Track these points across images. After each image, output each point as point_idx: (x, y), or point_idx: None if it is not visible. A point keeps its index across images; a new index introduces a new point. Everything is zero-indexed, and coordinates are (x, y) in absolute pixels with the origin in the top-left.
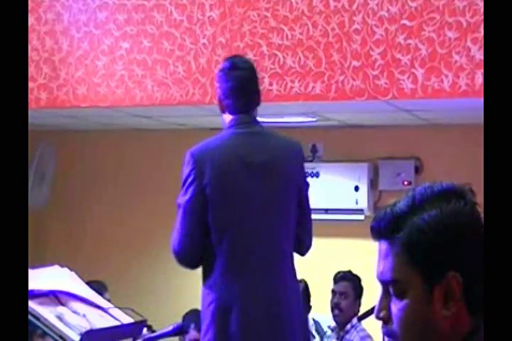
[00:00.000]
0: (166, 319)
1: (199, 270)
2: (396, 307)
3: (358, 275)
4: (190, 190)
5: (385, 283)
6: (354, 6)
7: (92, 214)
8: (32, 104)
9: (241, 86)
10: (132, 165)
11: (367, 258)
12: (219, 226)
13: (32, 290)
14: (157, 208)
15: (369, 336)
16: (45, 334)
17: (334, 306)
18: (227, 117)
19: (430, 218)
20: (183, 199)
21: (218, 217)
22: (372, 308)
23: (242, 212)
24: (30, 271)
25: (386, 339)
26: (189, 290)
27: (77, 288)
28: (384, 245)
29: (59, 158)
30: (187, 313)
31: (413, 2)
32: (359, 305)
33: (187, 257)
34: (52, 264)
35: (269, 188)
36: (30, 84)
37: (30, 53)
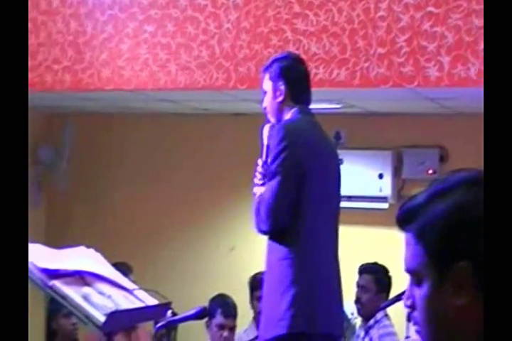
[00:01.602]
0: (190, 302)
1: (225, 255)
2: (416, 295)
3: (384, 265)
4: (288, 159)
5: (407, 272)
6: None
7: (115, 195)
8: (56, 86)
9: (307, 79)
10: (154, 148)
11: (391, 247)
12: (307, 198)
13: (58, 270)
14: (179, 190)
15: (391, 333)
16: (70, 314)
17: (356, 299)
18: (290, 105)
19: (444, 208)
20: (280, 166)
21: (310, 188)
22: (395, 298)
23: (320, 195)
24: (56, 251)
25: (415, 327)
26: (215, 274)
27: (103, 269)
28: (406, 235)
29: (82, 140)
30: (214, 298)
31: None
32: (384, 298)
33: (282, 213)
34: (77, 245)
35: (332, 174)
36: (55, 67)
37: (56, 36)
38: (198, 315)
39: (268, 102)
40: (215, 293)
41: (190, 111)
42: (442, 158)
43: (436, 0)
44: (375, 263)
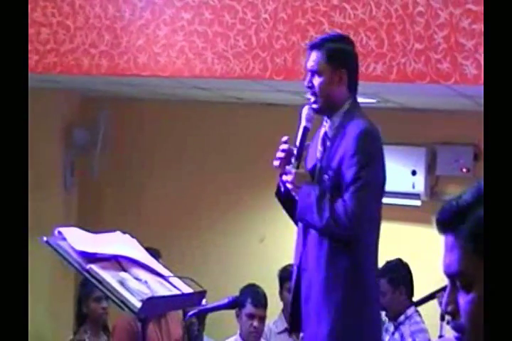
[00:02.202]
0: (220, 292)
1: (255, 246)
2: (463, 300)
3: (395, 260)
4: (380, 169)
5: (451, 276)
6: None
7: (148, 181)
8: (93, 70)
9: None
10: (186, 135)
11: (422, 243)
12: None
13: (96, 254)
14: (211, 177)
15: (422, 330)
16: (100, 298)
17: None
18: (344, 94)
19: None
20: (373, 176)
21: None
22: (429, 295)
23: None
24: (93, 235)
25: (454, 333)
26: (245, 264)
27: (139, 255)
28: (450, 237)
29: (116, 124)
30: (244, 287)
31: None
32: (404, 292)
33: (365, 225)
34: (109, 230)
35: None
36: (92, 51)
37: (93, 20)
38: (230, 305)
39: (320, 84)
40: (245, 283)
41: (224, 100)
42: (476, 157)
43: None
44: (387, 263)
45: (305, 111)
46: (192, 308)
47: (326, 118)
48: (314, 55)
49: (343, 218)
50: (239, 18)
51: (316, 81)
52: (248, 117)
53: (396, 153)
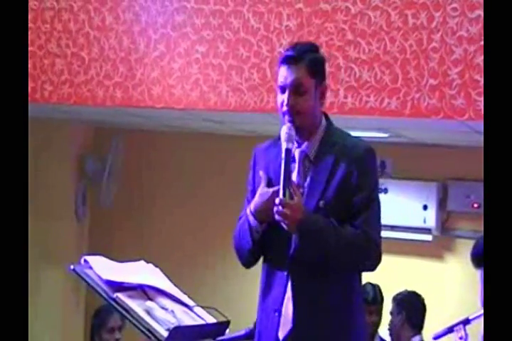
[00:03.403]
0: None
1: None
2: None
3: (408, 291)
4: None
5: None
6: (433, 24)
7: (159, 213)
8: (107, 102)
9: None
10: (200, 168)
11: (433, 278)
12: None
13: (122, 283)
14: (225, 210)
15: None
16: (113, 329)
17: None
18: (320, 107)
19: None
20: (377, 198)
21: None
22: (447, 329)
23: None
24: (118, 264)
25: None
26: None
27: (163, 284)
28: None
29: (129, 156)
30: None
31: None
32: (414, 325)
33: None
34: (124, 260)
35: None
36: (106, 82)
37: (108, 52)
38: (247, 336)
39: (305, 103)
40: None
41: (236, 133)
42: None
43: None
44: (401, 294)
45: (284, 130)
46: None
47: (292, 137)
48: (295, 69)
49: (368, 248)
50: (254, 52)
51: (300, 97)
52: None
53: (408, 187)
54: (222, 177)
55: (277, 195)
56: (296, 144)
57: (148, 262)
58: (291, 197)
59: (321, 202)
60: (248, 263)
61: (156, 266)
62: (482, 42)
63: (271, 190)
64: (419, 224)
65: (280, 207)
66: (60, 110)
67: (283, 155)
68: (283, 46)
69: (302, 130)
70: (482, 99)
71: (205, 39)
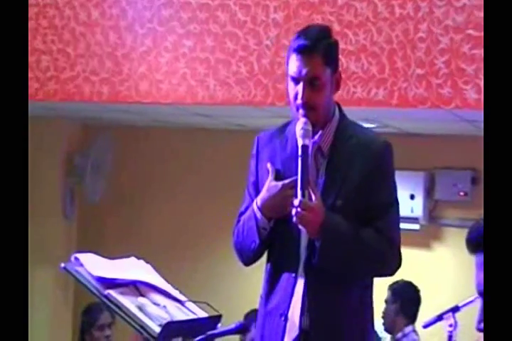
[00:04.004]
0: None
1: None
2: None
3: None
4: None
5: (482, 294)
6: (419, 14)
7: (149, 209)
8: (94, 98)
9: None
10: (189, 163)
11: (420, 267)
12: None
13: (114, 280)
14: (213, 203)
15: None
16: (103, 326)
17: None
18: (334, 103)
19: None
20: (395, 196)
21: None
22: (437, 317)
23: None
24: (109, 261)
25: None
26: (250, 288)
27: (155, 280)
28: (479, 257)
29: (117, 152)
30: (249, 313)
31: (479, 12)
32: (408, 314)
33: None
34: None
35: None
36: (93, 78)
37: (94, 47)
38: (237, 330)
39: (322, 97)
40: (250, 307)
41: (225, 127)
42: (474, 181)
43: (476, 23)
44: (397, 283)
45: (300, 125)
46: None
47: (309, 133)
48: (309, 60)
49: (391, 254)
50: (241, 45)
51: (316, 91)
52: (250, 144)
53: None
54: (211, 172)
55: (292, 191)
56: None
57: (139, 258)
58: (310, 198)
59: (339, 202)
60: (250, 262)
61: (147, 262)
62: (468, 31)
63: (280, 183)
64: (407, 213)
65: (299, 209)
66: (46, 107)
67: (299, 152)
68: (270, 39)
69: (320, 123)
70: (468, 87)
71: (192, 33)
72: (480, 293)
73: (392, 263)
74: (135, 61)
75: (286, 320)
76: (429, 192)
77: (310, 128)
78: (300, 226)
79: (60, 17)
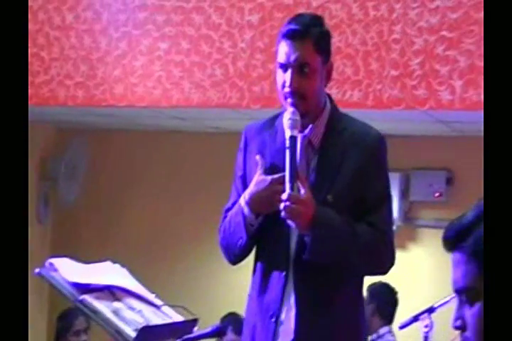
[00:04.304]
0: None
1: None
2: (468, 314)
3: (388, 287)
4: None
5: (458, 292)
6: (394, 16)
7: (124, 213)
8: (68, 102)
9: None
10: (164, 166)
11: (396, 268)
12: None
13: (89, 285)
14: (190, 206)
15: None
16: (79, 331)
17: None
18: (325, 94)
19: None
20: (388, 189)
21: None
22: (412, 318)
23: None
24: (84, 266)
25: None
26: (226, 291)
27: (130, 284)
28: (455, 255)
29: (93, 156)
30: (225, 316)
31: (453, 14)
32: (384, 315)
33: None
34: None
35: None
36: (67, 82)
37: (68, 51)
38: (213, 333)
39: (312, 84)
40: (227, 310)
41: (202, 129)
42: (449, 181)
43: (450, 24)
44: (374, 285)
45: (288, 115)
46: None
47: (297, 123)
48: (299, 45)
49: (385, 249)
50: (216, 48)
51: (305, 79)
52: (226, 147)
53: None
54: (187, 174)
55: (281, 186)
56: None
57: (114, 262)
58: (299, 191)
59: (329, 197)
60: (237, 260)
61: (123, 266)
62: (442, 33)
63: (269, 177)
64: None
65: (288, 203)
66: None
67: (287, 143)
68: (245, 41)
69: (309, 113)
70: (443, 88)
71: (167, 36)
72: (456, 291)
73: (386, 259)
74: (110, 64)
75: (276, 321)
76: (404, 193)
77: (298, 118)
78: (289, 222)
79: (34, 21)
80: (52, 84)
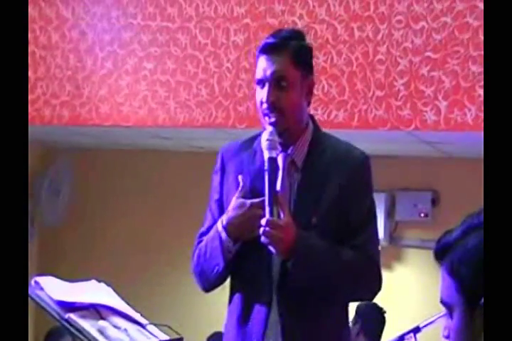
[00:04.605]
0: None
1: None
2: (449, 326)
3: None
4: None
5: (443, 304)
6: (379, 37)
7: (110, 232)
8: (54, 121)
9: None
10: (150, 185)
11: (383, 288)
12: None
13: (74, 303)
14: (176, 226)
15: None
16: None
17: None
18: (306, 106)
19: (476, 243)
20: (375, 211)
21: None
22: (398, 338)
23: None
24: (69, 284)
25: None
26: (220, 309)
27: (116, 303)
28: (442, 268)
29: (77, 174)
30: (211, 335)
31: (438, 35)
32: (370, 335)
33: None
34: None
35: None
36: (53, 101)
37: (54, 70)
38: None
39: (290, 98)
40: (211, 329)
41: (188, 149)
42: (434, 201)
43: (435, 45)
44: (362, 305)
45: (265, 136)
46: None
47: (275, 144)
48: (276, 59)
49: (371, 274)
50: (201, 68)
51: (283, 92)
52: (212, 166)
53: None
54: (172, 193)
55: (261, 210)
56: (279, 148)
57: (99, 281)
58: (278, 215)
59: (314, 219)
60: (211, 288)
61: (108, 285)
62: (427, 53)
63: (248, 201)
64: None
65: (268, 228)
66: None
67: (266, 165)
68: (230, 61)
69: (286, 132)
70: (428, 109)
71: (153, 56)
72: (442, 303)
73: (373, 284)
74: (95, 84)
75: None
76: (389, 213)
77: (277, 138)
78: (270, 248)
79: None
80: (39, 104)
